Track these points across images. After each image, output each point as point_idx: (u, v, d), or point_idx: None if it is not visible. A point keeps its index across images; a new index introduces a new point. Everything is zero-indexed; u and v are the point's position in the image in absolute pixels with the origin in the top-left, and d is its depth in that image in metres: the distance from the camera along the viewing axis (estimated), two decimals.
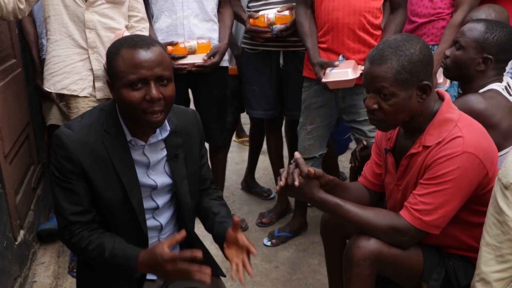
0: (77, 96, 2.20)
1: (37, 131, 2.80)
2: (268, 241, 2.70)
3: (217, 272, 1.58)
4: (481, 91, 1.76)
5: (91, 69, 2.20)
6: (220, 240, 1.46)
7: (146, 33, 2.31)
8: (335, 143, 2.96)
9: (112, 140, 1.33)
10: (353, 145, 3.33)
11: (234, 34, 2.92)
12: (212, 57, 2.41)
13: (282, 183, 1.46)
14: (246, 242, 1.38)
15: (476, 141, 1.38)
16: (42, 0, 2.18)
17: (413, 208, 1.42)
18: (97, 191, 1.33)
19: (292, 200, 2.98)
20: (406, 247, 1.47)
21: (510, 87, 1.80)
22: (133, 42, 1.26)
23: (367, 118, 1.58)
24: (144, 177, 1.40)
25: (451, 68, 1.85)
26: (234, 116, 3.04)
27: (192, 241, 1.55)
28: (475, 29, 1.77)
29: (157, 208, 1.45)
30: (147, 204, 1.42)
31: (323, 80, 2.13)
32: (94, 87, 2.22)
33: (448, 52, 1.86)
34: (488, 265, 1.24)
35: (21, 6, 1.92)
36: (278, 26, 2.43)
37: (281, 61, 2.61)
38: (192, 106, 2.60)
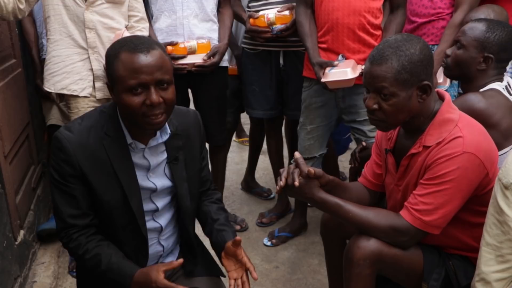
0: (77, 96, 2.20)
1: (37, 131, 2.80)
2: (268, 241, 2.70)
3: (217, 272, 1.58)
4: (481, 90, 1.76)
5: (91, 69, 2.20)
6: (218, 248, 1.48)
7: (146, 33, 2.31)
8: (335, 143, 2.96)
9: (112, 143, 1.33)
10: (353, 145, 3.33)
11: (234, 34, 2.93)
12: (212, 57, 2.41)
13: (282, 183, 1.46)
14: (248, 263, 1.41)
15: (477, 141, 1.38)
16: (42, 0, 2.18)
17: (413, 208, 1.42)
18: (97, 194, 1.33)
19: (292, 200, 2.98)
20: (406, 247, 1.47)
21: (510, 87, 1.80)
22: (133, 45, 1.25)
23: (367, 118, 1.58)
24: (144, 180, 1.39)
25: (452, 67, 1.85)
26: (234, 116, 3.04)
27: (192, 243, 1.55)
28: (476, 28, 1.77)
29: (156, 210, 1.45)
30: (147, 206, 1.42)
31: (323, 80, 2.13)
32: (94, 87, 2.21)
33: (449, 51, 1.86)
34: (488, 265, 1.24)
35: (21, 6, 1.92)
36: (278, 26, 2.43)
37: (281, 61, 2.61)
38: (192, 106, 2.60)
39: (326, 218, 1.74)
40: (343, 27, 2.17)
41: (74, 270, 2.33)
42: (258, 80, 2.67)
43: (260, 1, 2.53)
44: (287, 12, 2.43)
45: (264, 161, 3.63)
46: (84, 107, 2.18)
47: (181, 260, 1.36)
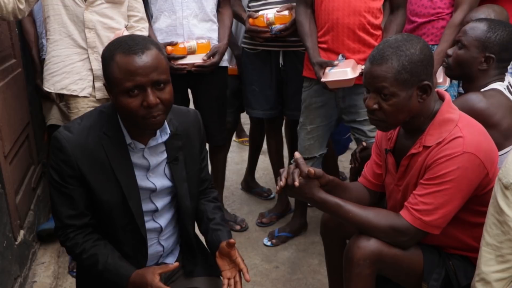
0: (76, 96, 2.20)
1: (37, 131, 2.80)
2: (268, 241, 2.70)
3: (216, 272, 1.58)
4: (482, 90, 1.76)
5: (91, 69, 2.20)
6: (212, 247, 1.49)
7: (145, 33, 2.31)
8: (335, 143, 2.96)
9: (111, 143, 1.33)
10: (353, 145, 3.33)
11: (234, 34, 2.92)
12: (211, 57, 2.41)
13: (282, 183, 1.46)
14: (242, 264, 1.42)
15: (477, 142, 1.38)
16: (41, 0, 2.18)
17: (413, 208, 1.42)
18: (96, 194, 1.33)
19: (292, 200, 2.98)
20: (406, 247, 1.47)
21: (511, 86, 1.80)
22: (127, 46, 1.24)
23: (367, 118, 1.58)
24: (143, 180, 1.39)
25: (453, 67, 1.85)
26: (234, 116, 3.04)
27: (192, 243, 1.55)
28: (477, 28, 1.77)
29: (156, 210, 1.44)
30: (146, 206, 1.42)
31: (322, 79, 2.13)
32: (93, 87, 2.21)
33: (450, 51, 1.86)
34: (488, 265, 1.24)
35: (21, 6, 1.92)
36: (277, 26, 2.43)
37: (280, 61, 2.61)
38: (191, 106, 2.60)
39: (326, 218, 1.74)
40: (343, 27, 2.17)
41: (74, 270, 2.33)
42: (258, 80, 2.67)
43: (260, 1, 2.52)
44: (286, 12, 2.43)
45: (264, 161, 3.63)
46: (84, 107, 2.18)
47: (176, 264, 1.37)
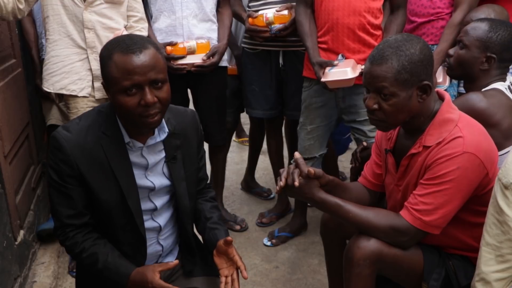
0: (76, 96, 2.20)
1: (37, 131, 2.80)
2: (268, 241, 2.70)
3: (216, 272, 1.58)
4: (483, 90, 1.76)
5: (90, 69, 2.20)
6: (210, 246, 1.49)
7: (145, 33, 2.31)
8: (335, 143, 2.96)
9: (110, 142, 1.33)
10: (353, 145, 3.33)
11: (234, 34, 2.92)
12: (211, 57, 2.41)
13: (282, 183, 1.46)
14: (239, 262, 1.43)
15: (477, 141, 1.38)
16: (41, 0, 2.18)
17: (413, 208, 1.42)
18: (95, 193, 1.33)
19: (292, 200, 2.98)
20: (406, 247, 1.47)
21: None
22: (125, 46, 1.25)
23: (367, 118, 1.58)
24: (142, 179, 1.39)
25: (454, 67, 1.85)
26: (234, 116, 3.04)
27: (191, 242, 1.55)
28: (478, 28, 1.77)
29: (155, 209, 1.45)
30: (145, 205, 1.42)
31: (322, 79, 2.13)
32: (93, 87, 2.21)
33: (451, 51, 1.86)
34: (488, 265, 1.24)
35: (21, 6, 1.92)
36: (276, 26, 2.43)
37: (280, 61, 2.61)
38: (191, 106, 2.60)
39: (326, 218, 1.74)
40: (343, 27, 2.17)
41: (74, 270, 2.33)
42: (258, 80, 2.67)
43: (260, 1, 2.52)
44: (285, 12, 2.43)
45: (264, 161, 3.63)
46: (83, 107, 2.18)
47: (176, 261, 1.38)
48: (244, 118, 4.01)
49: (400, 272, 1.50)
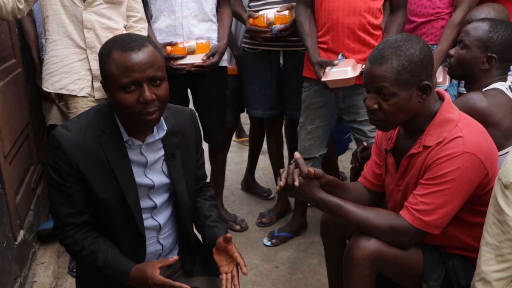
0: (75, 96, 2.20)
1: (37, 131, 2.80)
2: (268, 241, 2.70)
3: (216, 272, 1.58)
4: (484, 89, 1.76)
5: (90, 69, 2.20)
6: (209, 244, 1.49)
7: (144, 33, 2.31)
8: (335, 143, 2.96)
9: (109, 140, 1.34)
10: (353, 145, 3.33)
11: (234, 34, 2.92)
12: (211, 57, 2.41)
13: (282, 183, 1.46)
14: (239, 258, 1.43)
15: (477, 141, 1.38)
16: (40, 0, 2.18)
17: (413, 208, 1.42)
18: (94, 192, 1.34)
19: (292, 200, 2.98)
20: (406, 247, 1.47)
21: None
22: (124, 43, 1.26)
23: (367, 118, 1.58)
24: (141, 177, 1.40)
25: (455, 68, 1.85)
26: (234, 116, 3.04)
27: (191, 241, 1.55)
28: (479, 28, 1.77)
29: (155, 207, 1.45)
30: (145, 203, 1.42)
31: (323, 79, 2.13)
32: (92, 87, 2.21)
33: (452, 51, 1.86)
34: (488, 264, 1.24)
35: (20, 6, 1.92)
36: (277, 26, 2.43)
37: (281, 60, 2.61)
38: (191, 106, 2.60)
39: (326, 218, 1.74)
40: (343, 27, 2.17)
41: (74, 270, 2.33)
42: (258, 79, 2.67)
43: (260, 1, 2.52)
44: (286, 12, 2.43)
45: (264, 161, 3.63)
46: (83, 107, 2.18)
47: (176, 257, 1.38)
48: (244, 118, 4.01)
49: (400, 272, 1.50)
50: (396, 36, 1.45)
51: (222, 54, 2.47)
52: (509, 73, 1.84)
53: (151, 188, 1.42)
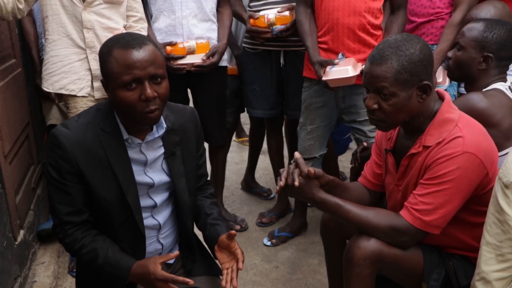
0: (75, 96, 2.20)
1: (37, 131, 2.80)
2: (268, 241, 2.70)
3: (216, 272, 1.58)
4: (484, 90, 1.76)
5: (89, 69, 2.20)
6: (210, 241, 1.50)
7: (144, 33, 2.31)
8: (335, 143, 2.96)
9: (109, 138, 1.34)
10: (353, 145, 3.33)
11: (234, 34, 2.92)
12: (211, 57, 2.41)
13: (282, 183, 1.46)
14: (239, 255, 1.43)
15: (477, 141, 1.38)
16: (40, 0, 2.18)
17: (413, 208, 1.42)
18: (94, 190, 1.34)
19: (292, 200, 2.98)
20: (406, 247, 1.47)
21: None
22: (125, 42, 1.26)
23: (367, 118, 1.58)
24: (141, 175, 1.40)
25: (453, 69, 1.86)
26: (234, 116, 3.04)
27: (191, 241, 1.55)
28: (474, 29, 1.78)
29: (155, 206, 1.45)
30: (145, 202, 1.42)
31: (324, 78, 2.13)
32: (92, 86, 2.21)
33: (450, 54, 1.87)
34: (488, 264, 1.24)
35: (20, 6, 1.92)
36: (278, 27, 2.43)
37: (281, 60, 2.61)
38: (191, 105, 2.60)
39: (326, 218, 1.74)
40: (343, 27, 2.17)
41: (74, 270, 2.33)
42: (258, 79, 2.67)
43: (261, 1, 2.52)
44: (287, 13, 2.43)
45: (264, 161, 3.63)
46: (82, 107, 2.18)
47: (177, 253, 1.38)
48: (244, 118, 4.01)
49: (400, 272, 1.50)
50: (396, 36, 1.45)
51: (222, 54, 2.47)
52: (508, 71, 1.84)
53: (151, 186, 1.42)
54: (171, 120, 1.44)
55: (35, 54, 2.70)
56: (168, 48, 2.37)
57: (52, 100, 2.71)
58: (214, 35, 2.50)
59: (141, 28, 2.32)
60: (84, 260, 1.37)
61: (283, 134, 3.05)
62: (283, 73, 2.64)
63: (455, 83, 2.38)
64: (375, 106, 1.43)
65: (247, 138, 3.61)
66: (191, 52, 2.40)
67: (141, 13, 2.33)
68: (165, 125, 1.40)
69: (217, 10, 2.54)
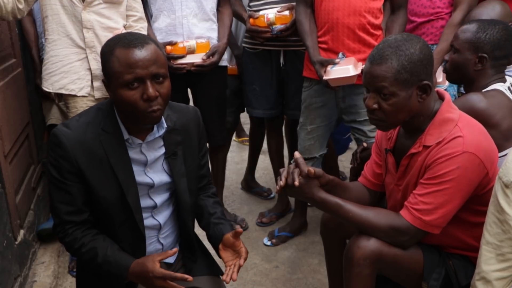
0: (75, 96, 2.20)
1: (37, 131, 2.80)
2: (268, 240, 2.70)
3: (217, 272, 1.58)
4: (483, 90, 1.77)
5: (89, 69, 2.20)
6: (214, 240, 1.49)
7: (144, 32, 2.31)
8: (335, 143, 2.96)
9: (109, 138, 1.34)
10: (353, 145, 3.33)
11: (235, 34, 2.92)
12: (211, 57, 2.41)
13: (282, 183, 1.45)
14: (244, 253, 1.43)
15: (477, 141, 1.38)
16: (40, 0, 2.18)
17: (413, 208, 1.42)
18: (94, 190, 1.34)
19: (292, 200, 2.98)
20: (406, 246, 1.47)
21: None
22: (127, 41, 1.26)
23: (367, 118, 1.58)
24: (141, 176, 1.40)
25: (450, 72, 1.87)
26: (234, 116, 3.04)
27: (191, 241, 1.55)
28: (467, 31, 1.79)
29: (155, 206, 1.45)
30: (145, 202, 1.42)
31: (325, 77, 2.13)
32: (92, 86, 2.21)
33: (446, 57, 1.89)
34: (488, 264, 1.24)
35: (20, 6, 1.92)
36: (278, 26, 2.43)
37: (281, 60, 2.61)
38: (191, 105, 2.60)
39: (326, 218, 1.74)
40: (343, 27, 2.17)
41: (74, 270, 2.33)
42: (258, 79, 2.67)
43: (261, 1, 2.52)
44: (287, 13, 2.43)
45: (264, 160, 3.63)
46: (82, 107, 2.18)
47: (175, 250, 1.38)
48: (244, 118, 4.01)
49: (400, 271, 1.50)
50: (396, 35, 1.45)
51: (222, 54, 2.47)
52: (506, 71, 1.84)
53: (151, 187, 1.42)
54: (173, 120, 1.44)
55: (35, 54, 2.70)
56: (168, 47, 2.37)
57: (52, 99, 2.71)
58: (214, 34, 2.50)
59: (141, 28, 2.32)
60: (84, 259, 1.37)
61: (283, 134, 3.05)
62: (283, 73, 2.64)
63: None
64: (375, 106, 1.43)
65: (247, 138, 3.61)
66: (191, 51, 2.40)
67: (140, 12, 2.33)
68: (165, 125, 1.40)
69: (217, 9, 2.54)
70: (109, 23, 2.20)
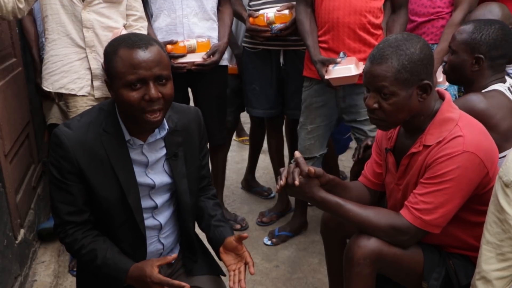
0: (75, 95, 2.20)
1: (38, 130, 2.81)
2: (268, 240, 2.70)
3: (218, 271, 1.58)
4: (483, 91, 1.77)
5: (89, 68, 2.20)
6: (215, 243, 1.50)
7: (144, 32, 2.31)
8: (335, 143, 2.96)
9: (111, 139, 1.34)
10: (353, 144, 3.32)
11: (235, 34, 2.92)
12: (211, 56, 2.41)
13: (282, 182, 1.46)
14: (248, 258, 1.44)
15: (477, 141, 1.38)
16: (40, 0, 2.18)
17: (413, 207, 1.42)
18: (94, 190, 1.34)
19: (292, 199, 2.98)
20: (407, 246, 1.47)
21: None
22: (131, 41, 1.26)
23: (367, 117, 1.58)
24: (142, 176, 1.40)
25: (449, 73, 1.88)
26: (234, 115, 3.04)
27: (192, 241, 1.55)
28: (463, 32, 1.80)
29: (156, 207, 1.45)
30: (146, 203, 1.42)
31: (326, 77, 2.13)
32: (92, 86, 2.21)
33: (445, 58, 1.89)
34: (488, 263, 1.24)
35: (21, 6, 1.92)
36: (277, 25, 2.43)
37: (281, 60, 2.61)
38: (192, 104, 2.60)
39: (327, 217, 1.74)
40: (343, 26, 2.17)
41: (74, 269, 2.33)
42: (258, 79, 2.67)
43: (260, 0, 2.52)
44: (286, 12, 2.43)
45: (264, 160, 3.63)
46: (82, 106, 2.18)
47: (175, 255, 1.38)
48: (245, 117, 4.02)
49: (400, 271, 1.50)
50: (396, 35, 1.45)
51: (223, 53, 2.47)
52: (507, 70, 1.84)
53: (152, 188, 1.42)
54: (174, 121, 1.44)
55: (35, 53, 2.70)
56: (169, 46, 2.37)
57: (52, 99, 2.71)
58: (214, 34, 2.50)
59: (141, 27, 2.32)
60: (83, 260, 1.37)
61: (283, 134, 3.05)
62: (283, 72, 2.64)
63: None
64: (375, 105, 1.43)
65: (247, 138, 3.61)
66: (192, 50, 2.40)
67: (140, 12, 2.33)
68: (167, 126, 1.40)
69: (218, 9, 2.54)
70: (109, 22, 2.20)
